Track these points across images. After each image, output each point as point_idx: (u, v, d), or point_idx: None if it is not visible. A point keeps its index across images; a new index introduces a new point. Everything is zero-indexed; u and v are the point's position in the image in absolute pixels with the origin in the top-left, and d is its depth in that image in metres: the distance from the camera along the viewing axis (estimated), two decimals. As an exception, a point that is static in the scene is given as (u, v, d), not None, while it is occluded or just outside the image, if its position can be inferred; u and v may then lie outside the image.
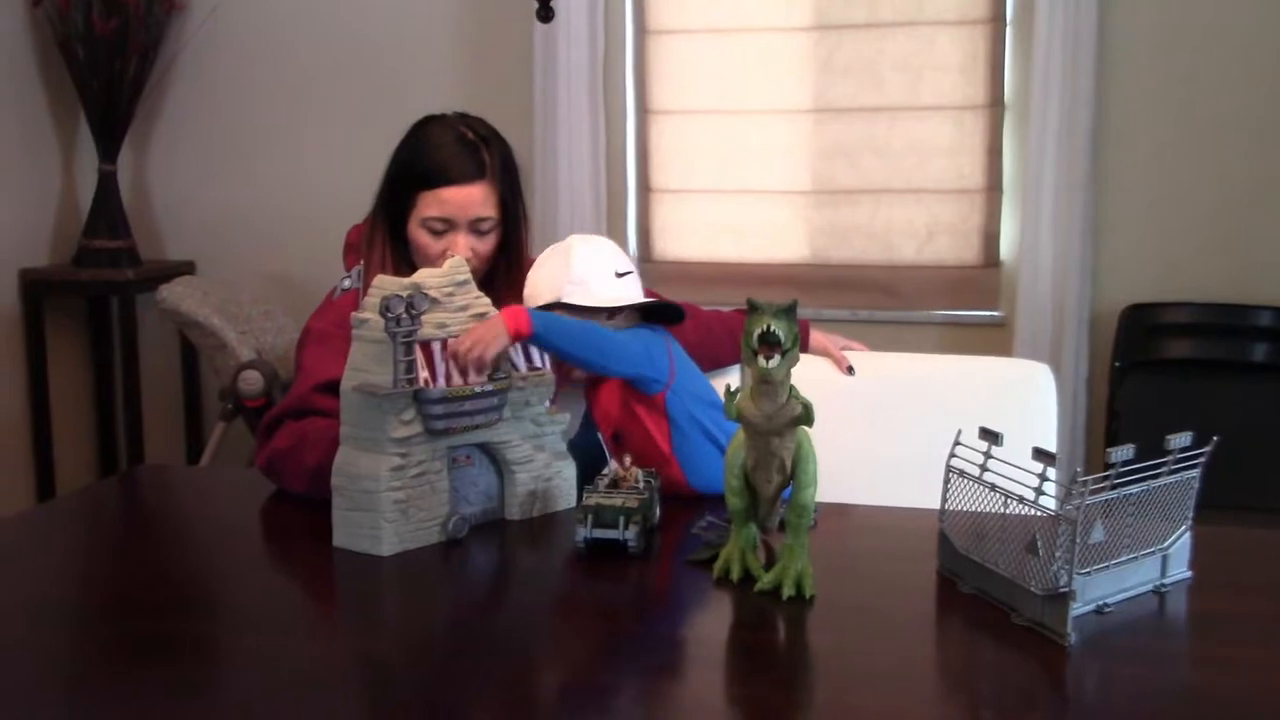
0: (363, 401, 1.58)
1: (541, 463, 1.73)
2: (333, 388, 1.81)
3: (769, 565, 1.47)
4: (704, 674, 1.29)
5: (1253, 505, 1.57)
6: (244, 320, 3.55)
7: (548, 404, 1.74)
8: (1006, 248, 3.54)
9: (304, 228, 3.92)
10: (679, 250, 3.79)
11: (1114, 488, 1.35)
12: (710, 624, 1.43)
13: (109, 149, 3.87)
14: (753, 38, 3.65)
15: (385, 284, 1.60)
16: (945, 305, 3.58)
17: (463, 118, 1.96)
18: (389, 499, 1.57)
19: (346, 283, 1.59)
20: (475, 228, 1.90)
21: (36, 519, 1.96)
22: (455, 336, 1.64)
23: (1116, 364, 3.33)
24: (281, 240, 3.99)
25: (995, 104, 3.49)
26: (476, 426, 1.64)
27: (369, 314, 1.58)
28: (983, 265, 3.56)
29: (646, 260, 3.80)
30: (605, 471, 1.66)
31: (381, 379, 1.56)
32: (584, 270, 1.79)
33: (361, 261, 1.64)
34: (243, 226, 4.03)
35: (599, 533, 1.55)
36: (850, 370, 2.11)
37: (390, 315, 1.54)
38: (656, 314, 1.86)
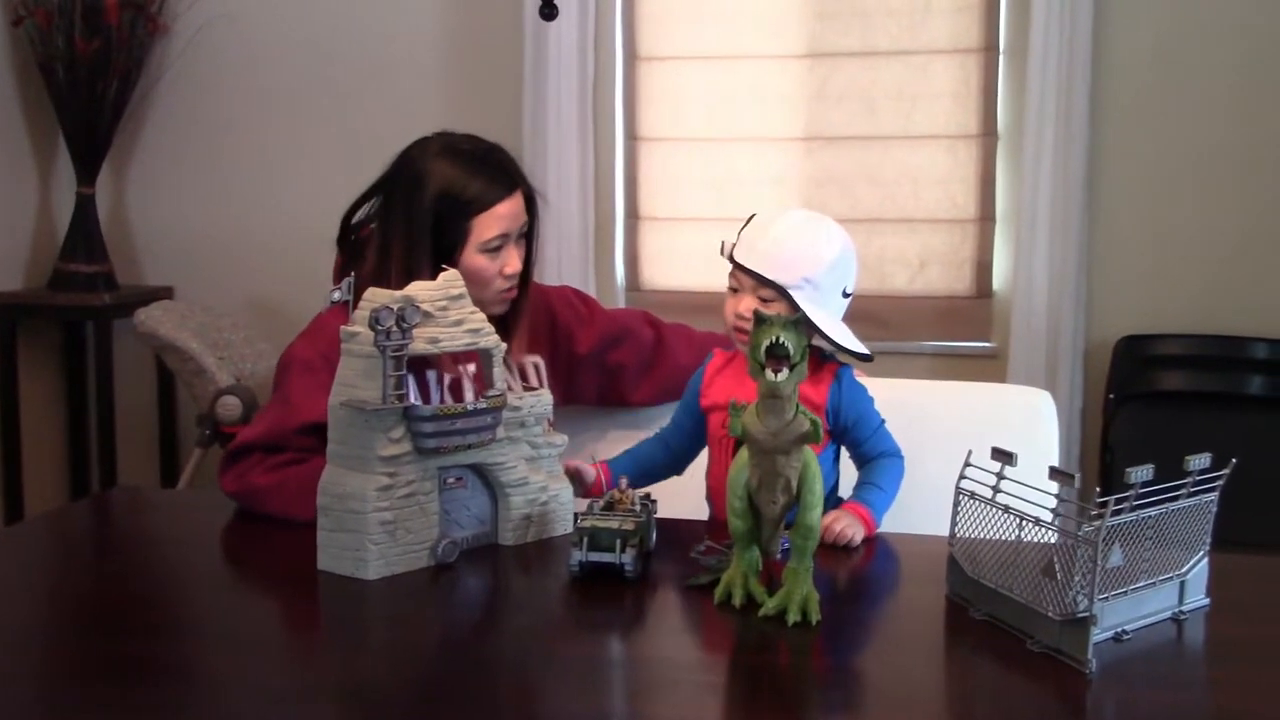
0: (350, 418, 1.51)
1: (537, 485, 1.66)
2: (318, 430, 1.75)
3: (774, 591, 1.41)
4: (707, 699, 1.24)
5: (1247, 541, 1.53)
6: (223, 346, 3.49)
7: (545, 425, 1.68)
8: (999, 278, 3.50)
9: (285, 253, 3.86)
10: (668, 279, 3.74)
11: (1133, 509, 1.30)
12: (712, 649, 1.38)
13: (87, 171, 3.81)
14: (745, 65, 3.62)
15: (376, 296, 1.53)
16: (937, 336, 3.54)
17: (449, 134, 1.91)
18: (375, 520, 1.50)
19: (336, 295, 1.53)
20: (519, 236, 1.87)
21: (6, 539, 1.89)
22: (449, 353, 1.58)
23: (1111, 396, 3.29)
24: (262, 266, 3.93)
25: (989, 133, 3.47)
26: (469, 446, 1.57)
27: (359, 327, 1.52)
28: (975, 295, 3.52)
29: (634, 289, 3.76)
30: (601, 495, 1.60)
31: (370, 394, 1.50)
32: (830, 277, 1.72)
33: (351, 274, 1.57)
34: (223, 252, 3.97)
35: (594, 556, 1.49)
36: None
37: (380, 328, 1.47)
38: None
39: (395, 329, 1.48)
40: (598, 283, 3.63)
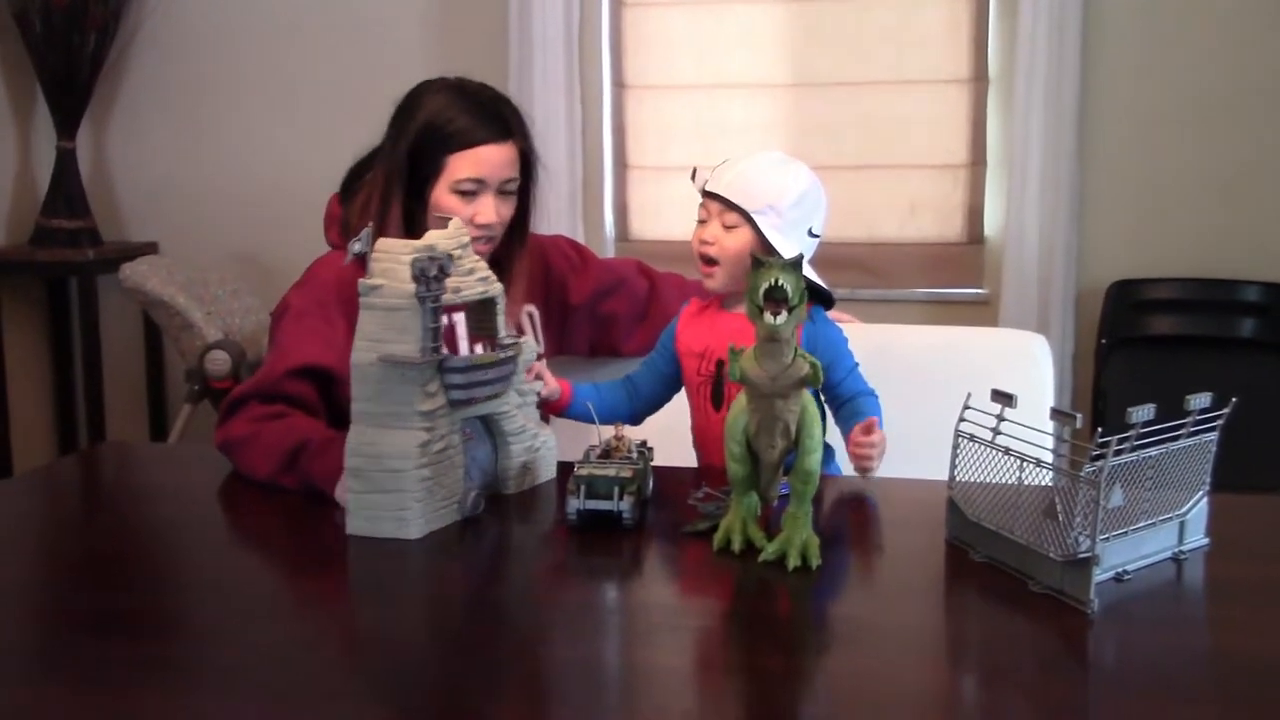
0: (384, 374, 1.46)
1: (530, 433, 1.65)
2: (308, 373, 1.74)
3: (772, 536, 1.40)
4: (707, 645, 1.23)
5: (1238, 485, 1.52)
6: (210, 300, 3.46)
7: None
8: (991, 224, 3.48)
9: (271, 206, 3.82)
10: (656, 229, 3.71)
11: (1134, 449, 1.29)
12: (711, 595, 1.37)
13: (67, 125, 3.76)
14: (730, 9, 3.57)
15: (392, 247, 1.49)
16: (928, 283, 3.53)
17: (465, 80, 1.89)
18: (417, 477, 1.46)
19: (357, 246, 1.48)
20: (502, 189, 1.83)
21: (-6, 497, 1.87)
22: (467, 304, 1.56)
23: (1103, 341, 3.29)
24: (248, 220, 3.89)
25: (979, 78, 3.43)
26: (493, 396, 1.56)
27: (381, 280, 1.47)
28: (966, 242, 3.50)
29: (624, 240, 3.73)
30: (597, 442, 1.59)
31: (406, 348, 1.46)
32: (795, 210, 1.73)
33: (370, 224, 1.55)
34: (207, 206, 3.93)
35: (592, 504, 1.48)
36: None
37: (424, 279, 1.45)
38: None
39: (434, 280, 1.46)
40: (587, 233, 3.60)
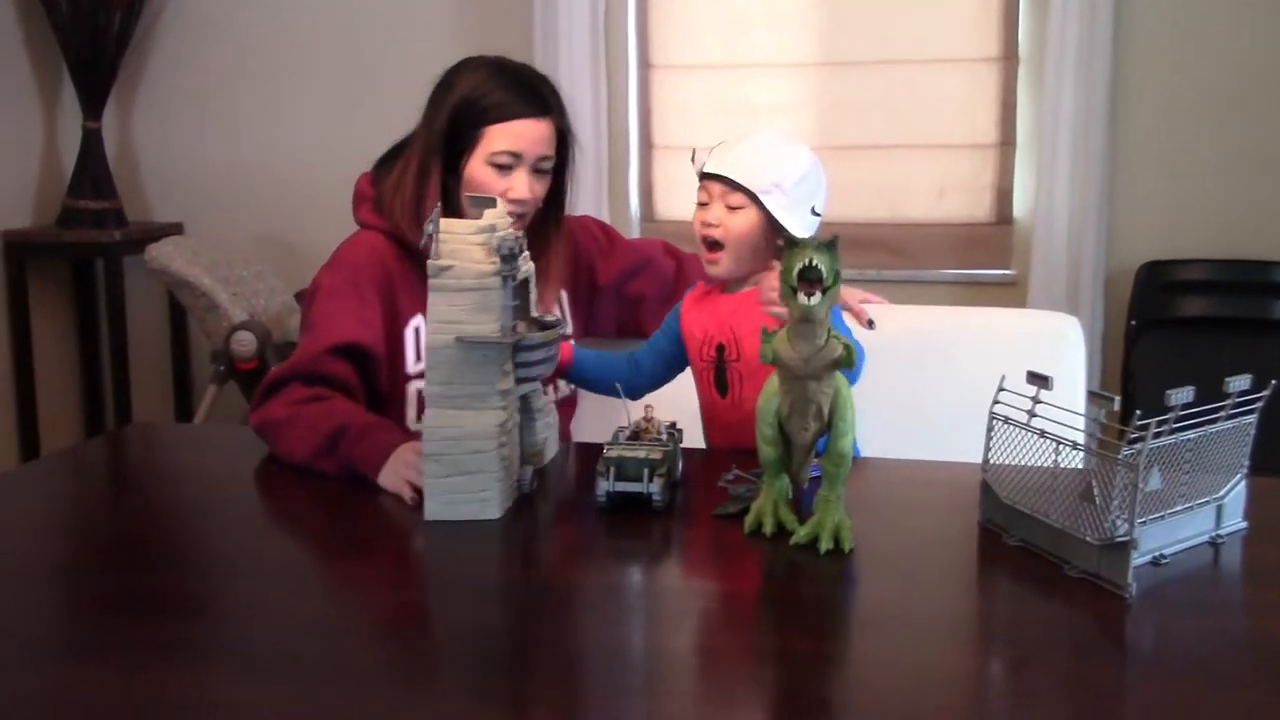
0: (461, 355, 1.45)
1: (549, 410, 1.67)
2: (346, 351, 1.73)
3: (803, 519, 1.39)
4: (738, 629, 1.22)
5: (1268, 467, 1.50)
6: (235, 281, 3.46)
7: None
8: (1020, 204, 3.45)
9: (296, 187, 3.82)
10: (682, 209, 3.69)
11: (1172, 432, 1.27)
12: (742, 578, 1.36)
13: (93, 106, 3.76)
14: (758, -12, 3.55)
15: (458, 228, 1.48)
16: (956, 264, 3.50)
17: (506, 59, 1.88)
18: (498, 457, 1.46)
19: (430, 228, 1.48)
20: (537, 167, 1.82)
21: (22, 477, 1.88)
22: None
23: (1133, 322, 3.25)
24: (273, 200, 3.89)
25: (1009, 57, 3.40)
26: (545, 374, 1.58)
27: (451, 260, 1.47)
28: (995, 222, 3.47)
29: (649, 220, 3.71)
30: (626, 424, 1.58)
31: (485, 328, 1.46)
32: (799, 189, 1.70)
33: (439, 205, 1.54)
34: (232, 186, 3.93)
35: (621, 486, 1.47)
36: (870, 324, 2.02)
37: (509, 258, 1.46)
38: None
39: (512, 259, 1.47)
40: (612, 213, 3.59)
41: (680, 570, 1.39)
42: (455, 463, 1.46)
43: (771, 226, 1.69)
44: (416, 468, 1.53)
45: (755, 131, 1.76)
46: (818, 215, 1.75)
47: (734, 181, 1.69)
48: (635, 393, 1.83)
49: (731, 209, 1.70)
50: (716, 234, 1.70)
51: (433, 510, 1.47)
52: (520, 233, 1.55)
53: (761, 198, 1.68)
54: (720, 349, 1.74)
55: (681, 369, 1.81)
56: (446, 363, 1.46)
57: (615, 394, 1.74)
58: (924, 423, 1.96)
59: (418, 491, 1.51)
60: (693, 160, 1.74)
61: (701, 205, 1.74)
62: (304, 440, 1.67)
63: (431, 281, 1.46)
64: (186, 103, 3.93)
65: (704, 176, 1.72)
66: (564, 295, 1.98)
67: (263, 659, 1.12)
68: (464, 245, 1.47)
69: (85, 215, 3.74)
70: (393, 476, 1.57)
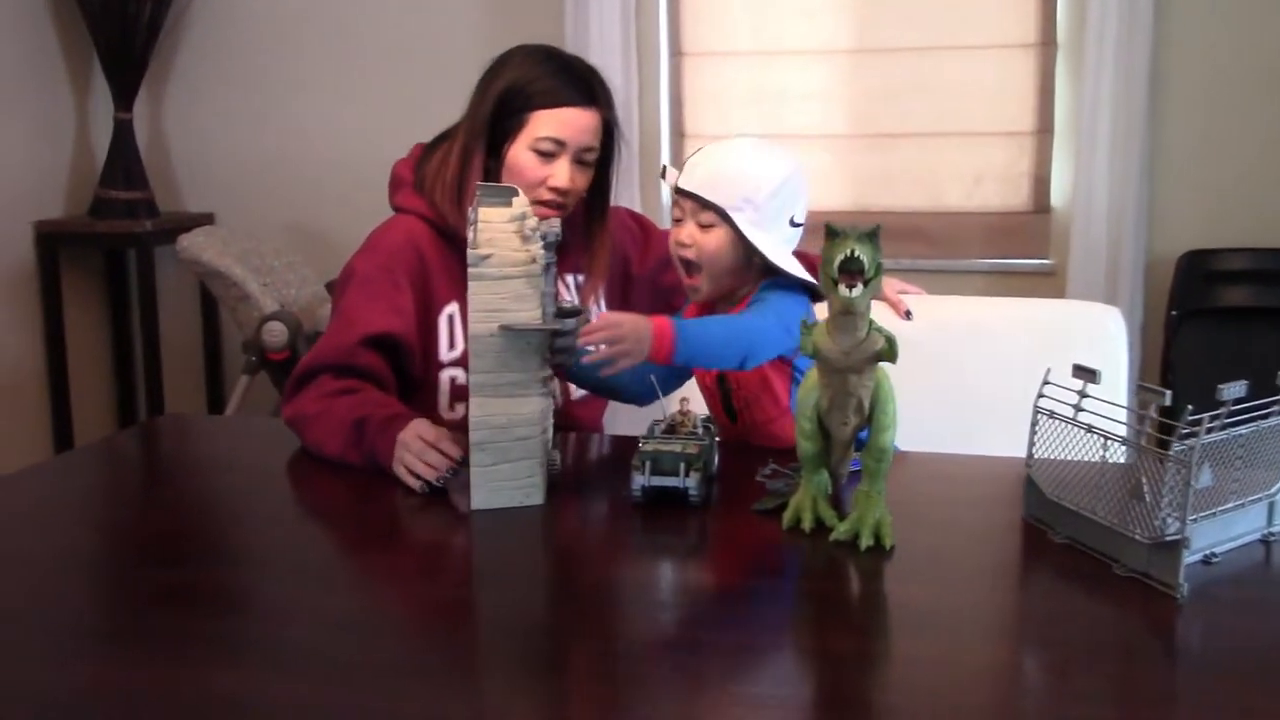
0: (505, 343, 1.44)
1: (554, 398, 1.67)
2: (379, 342, 1.72)
3: (842, 515, 1.37)
4: (776, 626, 1.19)
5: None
6: (266, 271, 3.45)
7: None
8: (1058, 192, 3.40)
9: (327, 177, 3.81)
10: (713, 198, 3.66)
11: (1224, 427, 1.24)
12: (781, 575, 1.33)
13: (125, 96, 3.76)
14: (790, -26, 3.51)
15: (494, 217, 1.46)
16: (993, 253, 3.45)
17: (556, 48, 1.86)
18: (542, 443, 1.47)
19: (471, 216, 1.47)
20: (580, 157, 1.80)
21: (57, 468, 1.87)
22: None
23: (1173, 312, 3.20)
24: (304, 190, 3.88)
25: (1047, 43, 3.34)
26: (571, 361, 1.58)
27: (488, 249, 1.45)
28: (1032, 211, 3.43)
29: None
30: (662, 417, 1.55)
31: (524, 315, 1.45)
32: (774, 202, 1.63)
33: (479, 197, 1.53)
34: (263, 176, 3.92)
35: (657, 481, 1.45)
36: (908, 315, 1.99)
37: (550, 247, 1.46)
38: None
39: (553, 247, 1.47)
40: (644, 203, 3.57)
41: (717, 566, 1.36)
42: (502, 451, 1.45)
43: (745, 242, 1.62)
44: (419, 454, 1.53)
45: (735, 137, 1.68)
46: (798, 226, 1.68)
47: (704, 199, 1.62)
48: (641, 398, 1.79)
49: (703, 227, 1.63)
50: (690, 254, 1.63)
51: (480, 499, 1.45)
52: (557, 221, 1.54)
53: (732, 215, 1.61)
54: (720, 378, 1.70)
55: (689, 376, 1.75)
56: (490, 351, 1.45)
57: (627, 400, 1.72)
58: (963, 416, 1.93)
59: (425, 479, 1.52)
60: (663, 177, 1.68)
61: (676, 222, 1.67)
62: (333, 434, 1.66)
63: (472, 270, 1.44)
64: (217, 93, 3.93)
65: (678, 192, 1.65)
66: (599, 289, 1.96)
67: (297, 654, 1.11)
68: (500, 234, 1.45)
69: (117, 205, 3.74)
70: (398, 466, 1.56)
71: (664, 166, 1.71)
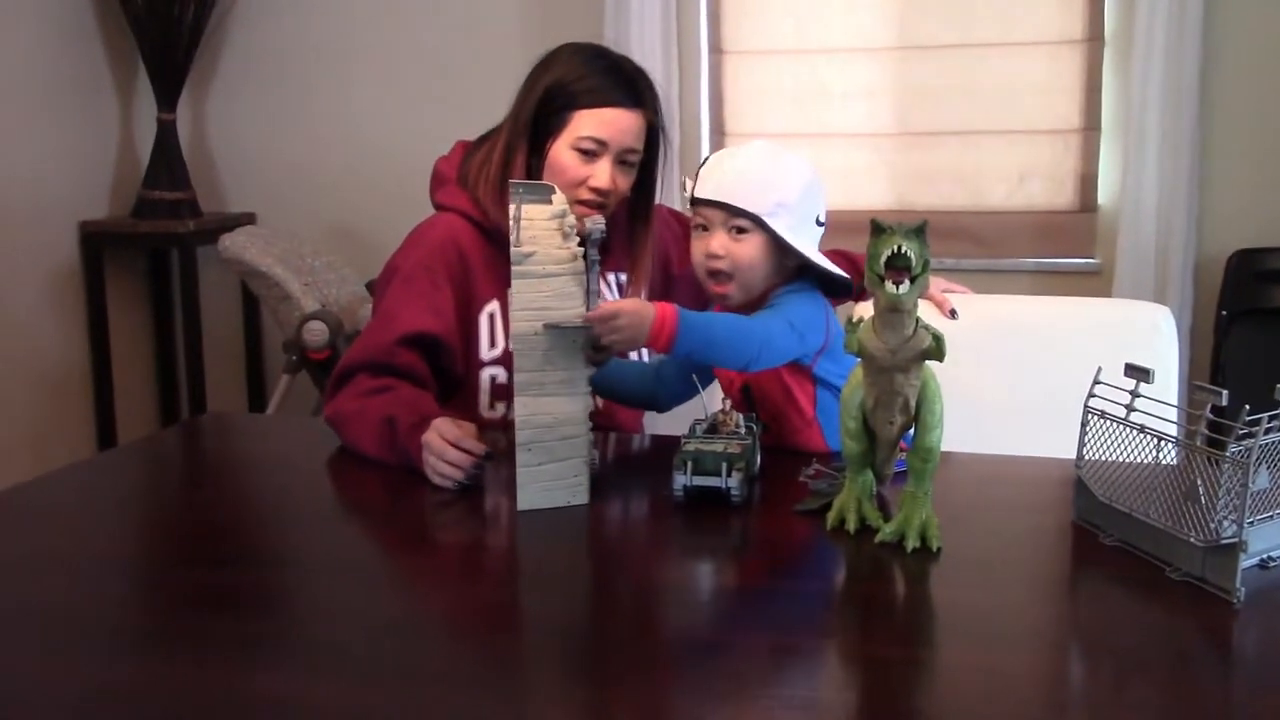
0: (550, 342, 1.44)
1: None
2: (417, 341, 1.71)
3: (887, 516, 1.34)
4: (820, 629, 1.18)
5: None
6: (307, 271, 3.46)
7: None
8: (1105, 191, 3.35)
9: (368, 177, 3.82)
10: (754, 198, 3.63)
11: (1282, 429, 1.21)
12: (825, 577, 1.32)
13: (168, 97, 3.79)
14: (833, -29, 3.48)
15: (537, 215, 1.45)
16: (1038, 252, 3.41)
17: (606, 48, 1.85)
18: (586, 443, 1.46)
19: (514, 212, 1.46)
20: (623, 159, 1.78)
21: (99, 466, 1.88)
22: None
23: (1223, 312, 3.15)
24: (345, 190, 3.89)
25: (1094, 38, 3.29)
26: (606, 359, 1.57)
27: (531, 248, 1.44)
28: (1078, 210, 3.38)
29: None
30: (703, 416, 1.54)
31: (572, 312, 1.44)
32: (804, 203, 1.60)
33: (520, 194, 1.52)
34: (304, 177, 3.94)
35: (699, 480, 1.43)
36: (953, 314, 1.96)
37: (595, 244, 1.45)
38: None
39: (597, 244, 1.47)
40: (683, 201, 3.54)
41: (760, 568, 1.34)
42: (549, 450, 1.44)
43: (779, 246, 1.60)
44: (440, 454, 1.53)
45: (744, 144, 1.65)
46: (822, 225, 1.65)
47: (736, 207, 1.58)
48: (658, 405, 1.77)
49: (736, 236, 1.59)
50: (723, 265, 1.59)
51: (526, 499, 1.44)
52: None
53: (768, 221, 1.58)
54: (745, 389, 1.66)
55: (709, 382, 1.70)
56: (534, 350, 1.44)
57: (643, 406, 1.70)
58: (1010, 416, 1.90)
59: (452, 479, 1.52)
60: (684, 190, 1.65)
61: (701, 230, 1.63)
62: (368, 434, 1.65)
63: (515, 269, 1.43)
64: (259, 94, 3.94)
65: (700, 203, 1.62)
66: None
67: (338, 656, 1.10)
68: (543, 231, 1.44)
69: (160, 206, 3.76)
70: (427, 470, 1.55)
71: (683, 181, 1.67)
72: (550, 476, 1.44)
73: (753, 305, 1.63)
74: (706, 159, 1.65)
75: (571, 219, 1.46)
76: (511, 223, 1.44)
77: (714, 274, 1.61)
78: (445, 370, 1.79)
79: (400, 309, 1.75)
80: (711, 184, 1.60)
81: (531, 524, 1.42)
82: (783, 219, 1.58)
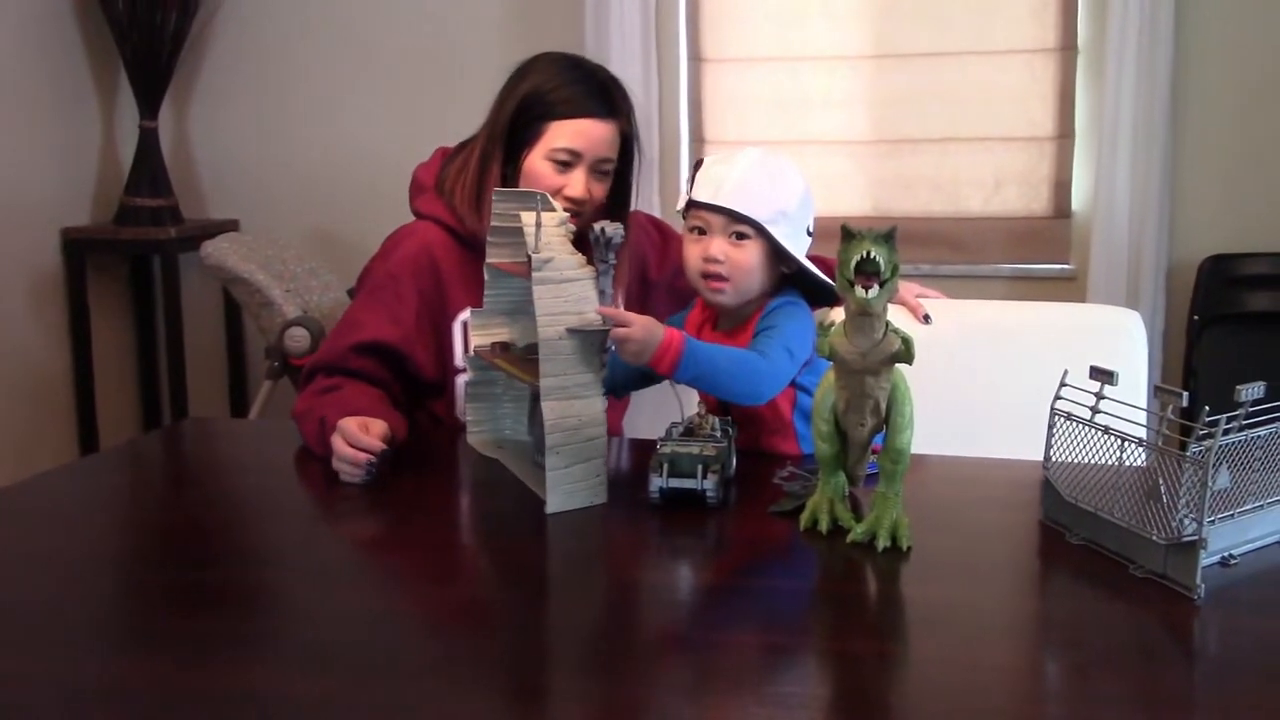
0: (574, 346, 1.46)
1: None
2: (373, 349, 1.75)
3: (859, 517, 1.37)
4: (795, 627, 1.20)
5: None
6: (290, 278, 3.47)
7: None
8: (1079, 197, 3.39)
9: (350, 184, 3.83)
10: (733, 204, 3.66)
11: (1242, 429, 1.24)
12: (799, 576, 1.34)
13: (150, 105, 3.79)
14: (811, -20, 3.51)
15: (548, 221, 1.49)
16: (1013, 258, 3.44)
17: (582, 57, 1.88)
18: (604, 443, 1.48)
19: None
20: (597, 168, 1.81)
21: (82, 470, 1.89)
22: None
23: (1195, 318, 3.19)
24: (327, 197, 3.90)
25: (1068, 47, 3.33)
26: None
27: (550, 253, 1.46)
28: (1053, 216, 3.42)
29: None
30: (679, 420, 1.56)
31: (584, 318, 1.46)
32: (800, 213, 1.63)
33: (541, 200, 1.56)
34: (287, 183, 3.95)
35: (675, 482, 1.45)
36: (927, 319, 1.99)
37: (610, 247, 1.49)
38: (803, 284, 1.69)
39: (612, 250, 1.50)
40: (663, 209, 3.57)
41: (735, 568, 1.37)
42: (575, 452, 1.46)
43: (774, 254, 1.63)
44: (340, 456, 1.58)
45: (741, 151, 1.66)
46: (811, 236, 1.68)
47: (739, 213, 1.60)
48: (619, 393, 1.79)
49: (736, 241, 1.62)
50: (722, 270, 1.61)
51: (556, 502, 1.45)
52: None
53: (769, 229, 1.60)
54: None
55: (653, 380, 1.72)
56: (559, 354, 1.46)
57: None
58: (982, 419, 1.93)
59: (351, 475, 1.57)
60: (688, 192, 1.65)
61: (697, 233, 1.64)
62: (311, 432, 1.70)
63: (536, 275, 1.46)
64: (241, 101, 3.96)
65: (699, 206, 1.63)
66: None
67: (319, 653, 1.12)
68: (555, 238, 1.48)
69: (142, 213, 3.77)
70: (338, 466, 1.59)
71: (691, 178, 1.67)
72: (576, 479, 1.46)
73: (744, 308, 1.65)
74: (700, 162, 1.67)
75: (570, 226, 1.50)
76: (528, 229, 1.46)
77: (708, 275, 1.64)
78: (415, 376, 1.82)
79: (362, 317, 1.80)
80: (712, 188, 1.61)
81: (507, 525, 1.45)
82: (782, 227, 1.61)
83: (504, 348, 1.66)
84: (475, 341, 1.66)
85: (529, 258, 1.46)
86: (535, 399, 1.58)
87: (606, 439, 1.49)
